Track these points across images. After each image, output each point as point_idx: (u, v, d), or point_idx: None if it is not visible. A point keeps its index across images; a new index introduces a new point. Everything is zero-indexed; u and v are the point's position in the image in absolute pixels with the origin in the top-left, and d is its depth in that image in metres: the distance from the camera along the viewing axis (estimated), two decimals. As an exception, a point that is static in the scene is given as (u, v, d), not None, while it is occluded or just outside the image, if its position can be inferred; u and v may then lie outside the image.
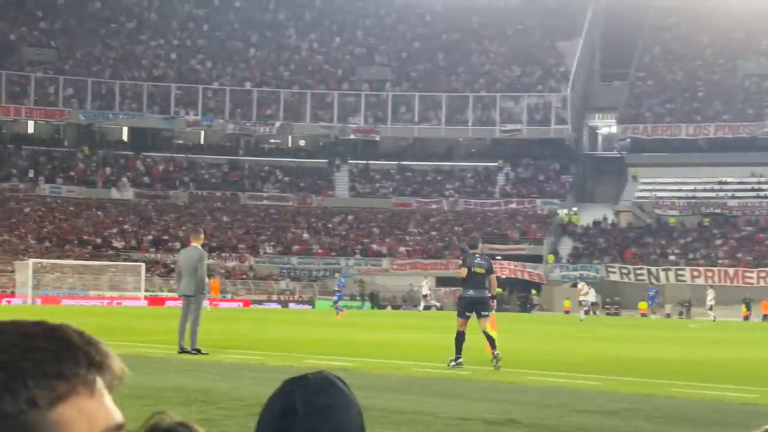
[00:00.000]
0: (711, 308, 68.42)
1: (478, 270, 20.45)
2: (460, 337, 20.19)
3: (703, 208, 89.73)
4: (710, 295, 69.37)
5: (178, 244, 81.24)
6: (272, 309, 73.37)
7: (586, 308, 63.00)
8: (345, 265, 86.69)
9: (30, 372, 1.17)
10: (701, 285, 77.43)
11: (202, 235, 23.54)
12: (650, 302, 73.95)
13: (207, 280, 22.74)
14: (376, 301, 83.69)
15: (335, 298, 58.72)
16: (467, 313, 20.38)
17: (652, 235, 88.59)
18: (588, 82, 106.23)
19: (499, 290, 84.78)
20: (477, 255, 20.86)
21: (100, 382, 1.23)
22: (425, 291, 76.97)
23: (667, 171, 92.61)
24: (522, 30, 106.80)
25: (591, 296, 65.89)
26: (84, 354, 1.22)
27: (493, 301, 20.87)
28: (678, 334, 42.71)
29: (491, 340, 19.99)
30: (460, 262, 21.41)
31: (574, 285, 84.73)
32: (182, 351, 21.78)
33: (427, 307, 76.75)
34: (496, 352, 19.82)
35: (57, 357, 1.20)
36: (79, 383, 1.20)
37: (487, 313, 20.26)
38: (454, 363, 19.88)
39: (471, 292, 20.40)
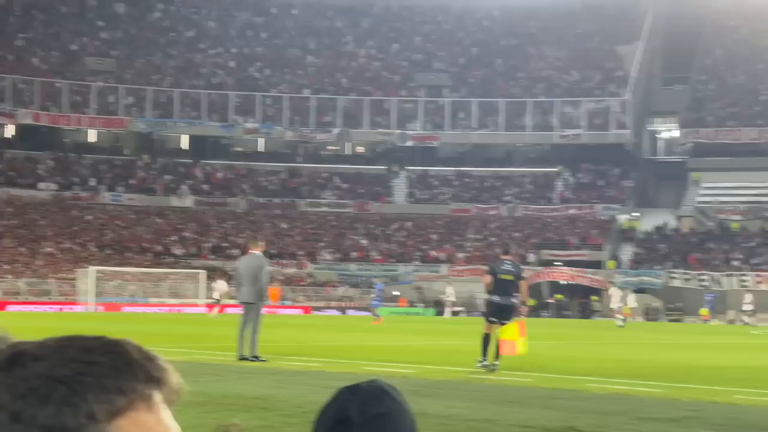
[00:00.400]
0: (751, 314, 67.01)
1: (505, 276, 20.33)
2: (486, 339, 20.23)
3: (767, 213, 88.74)
4: (747, 299, 67.78)
5: (237, 251, 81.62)
6: (331, 315, 73.48)
7: (621, 315, 60.42)
8: (403, 272, 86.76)
9: (90, 386, 1.20)
10: (766, 291, 76.51)
11: (262, 243, 23.64)
12: (708, 308, 72.85)
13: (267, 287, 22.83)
14: (441, 307, 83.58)
15: (373, 303, 58.14)
16: (492, 318, 20.37)
17: (714, 241, 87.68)
18: (648, 86, 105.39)
19: (559, 296, 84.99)
20: (507, 261, 20.78)
21: (158, 397, 1.25)
22: (450, 297, 75.55)
23: (729, 175, 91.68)
24: (581, 34, 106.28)
25: (632, 302, 63.62)
26: (142, 369, 1.24)
27: (522, 308, 20.87)
28: (740, 340, 42.22)
29: (497, 350, 20.01)
30: (487, 269, 21.42)
31: (640, 290, 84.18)
32: (242, 358, 21.85)
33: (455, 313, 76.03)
34: (495, 363, 19.93)
35: (116, 372, 1.22)
36: (138, 398, 1.22)
37: (507, 321, 20.19)
38: (480, 364, 20.04)
39: (496, 298, 20.39)
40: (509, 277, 20.36)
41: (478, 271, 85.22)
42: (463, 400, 14.76)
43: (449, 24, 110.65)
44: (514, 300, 20.42)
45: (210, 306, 64.47)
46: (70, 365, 1.20)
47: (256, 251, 22.55)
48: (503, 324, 20.16)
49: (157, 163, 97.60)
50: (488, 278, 20.66)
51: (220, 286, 62.69)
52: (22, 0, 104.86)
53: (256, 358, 21.66)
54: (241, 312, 22.79)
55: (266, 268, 22.26)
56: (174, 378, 1.27)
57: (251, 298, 21.97)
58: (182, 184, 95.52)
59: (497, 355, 20.08)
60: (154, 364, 1.25)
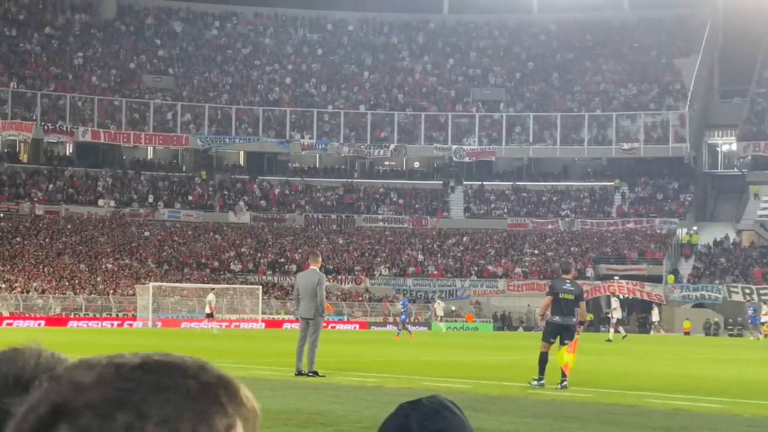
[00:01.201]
0: (765, 324, 66.50)
1: (566, 296, 20.21)
2: (542, 358, 20.15)
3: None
4: (764, 310, 67.40)
5: (294, 267, 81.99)
6: (389, 331, 73.44)
7: (615, 327, 56.73)
8: (460, 287, 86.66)
9: (171, 416, 1.19)
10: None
11: (320, 258, 23.73)
12: (750, 321, 71.18)
13: (326, 302, 22.89)
14: (507, 322, 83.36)
15: (401, 318, 57.16)
16: (551, 339, 20.25)
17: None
18: (707, 99, 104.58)
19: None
20: (568, 281, 20.69)
21: (239, 425, 1.25)
22: (440, 312, 73.05)
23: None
24: (638, 48, 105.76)
25: (618, 312, 60.53)
26: (225, 397, 1.24)
27: (579, 328, 20.80)
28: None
29: (563, 368, 19.90)
30: (547, 288, 21.42)
31: (699, 305, 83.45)
32: (299, 373, 21.90)
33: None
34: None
35: (198, 400, 1.21)
36: (222, 426, 1.22)
37: (569, 341, 20.08)
38: (536, 383, 19.83)
39: (557, 318, 20.23)
40: (570, 297, 20.24)
41: (535, 286, 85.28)
42: (521, 416, 14.70)
43: (505, 38, 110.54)
44: (574, 319, 20.31)
45: (202, 320, 63.14)
46: (149, 399, 1.18)
47: (314, 267, 22.63)
48: (564, 344, 20.03)
49: (215, 179, 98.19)
50: (548, 299, 20.61)
51: (211, 298, 61.44)
52: (80, 19, 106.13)
53: (314, 373, 21.70)
54: (299, 327, 22.88)
55: (323, 283, 22.33)
56: (252, 405, 1.26)
57: (309, 314, 22.02)
58: (239, 200, 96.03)
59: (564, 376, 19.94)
60: (233, 391, 1.24)
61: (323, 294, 22.12)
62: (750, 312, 70.65)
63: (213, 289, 65.97)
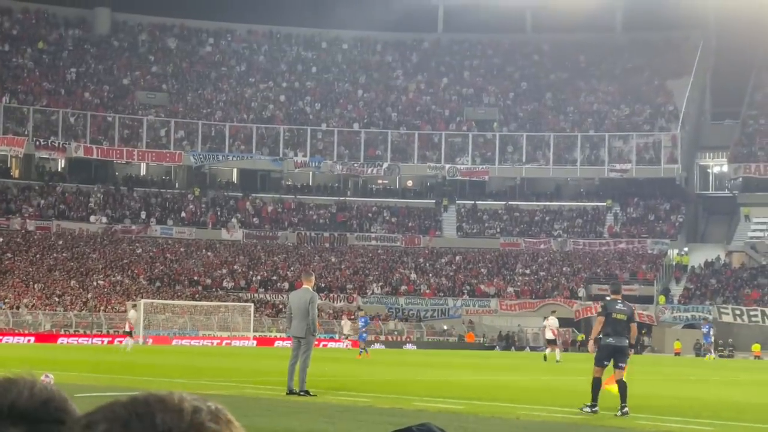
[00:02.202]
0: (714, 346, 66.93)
1: (619, 316, 19.55)
2: (596, 384, 19.42)
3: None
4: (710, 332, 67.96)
5: (286, 285, 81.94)
6: (380, 350, 73.32)
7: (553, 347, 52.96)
8: (453, 306, 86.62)
9: None
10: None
11: (313, 277, 23.73)
12: (705, 340, 70.18)
13: (317, 321, 22.85)
14: (511, 342, 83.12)
15: (362, 337, 56.36)
16: (605, 362, 19.55)
17: (766, 276, 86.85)
18: (698, 120, 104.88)
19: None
20: (619, 301, 20.02)
21: None
22: (346, 330, 70.18)
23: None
24: (630, 69, 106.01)
25: (549, 333, 54.91)
26: None
27: (631, 351, 20.02)
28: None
29: (623, 391, 19.09)
30: (600, 309, 20.80)
31: (690, 326, 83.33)
32: (290, 392, 21.88)
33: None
34: (624, 406, 18.89)
35: None
36: None
37: (624, 364, 19.41)
38: (589, 409, 19.16)
39: (611, 340, 19.53)
40: (622, 317, 19.59)
41: (527, 305, 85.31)
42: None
43: (498, 58, 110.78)
44: (626, 341, 19.61)
45: (124, 336, 60.35)
46: None
47: (307, 286, 22.63)
48: (620, 367, 19.35)
49: (207, 196, 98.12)
50: (601, 320, 19.91)
51: (132, 316, 59.30)
52: (74, 34, 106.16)
53: (305, 392, 21.68)
54: (291, 346, 22.87)
55: (315, 303, 22.31)
56: None
57: (301, 333, 22.01)
58: (232, 217, 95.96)
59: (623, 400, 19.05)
60: None
61: (315, 313, 22.12)
62: (704, 330, 69.81)
63: (135, 306, 64.25)
